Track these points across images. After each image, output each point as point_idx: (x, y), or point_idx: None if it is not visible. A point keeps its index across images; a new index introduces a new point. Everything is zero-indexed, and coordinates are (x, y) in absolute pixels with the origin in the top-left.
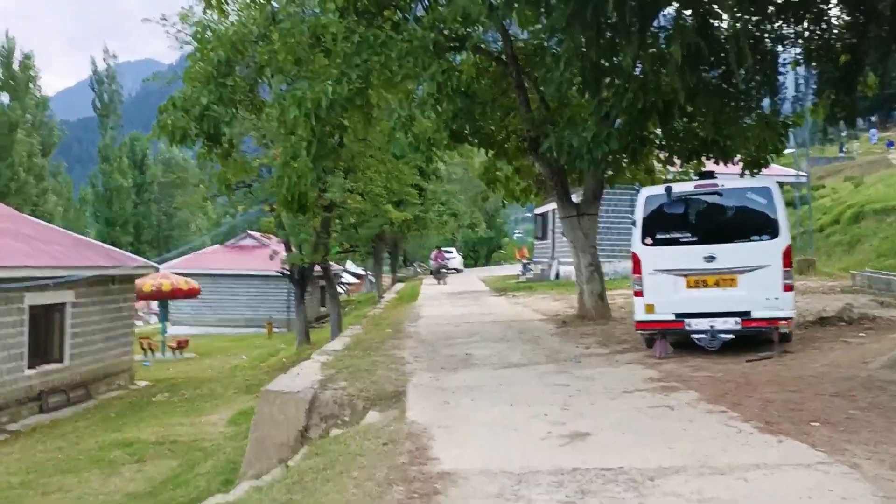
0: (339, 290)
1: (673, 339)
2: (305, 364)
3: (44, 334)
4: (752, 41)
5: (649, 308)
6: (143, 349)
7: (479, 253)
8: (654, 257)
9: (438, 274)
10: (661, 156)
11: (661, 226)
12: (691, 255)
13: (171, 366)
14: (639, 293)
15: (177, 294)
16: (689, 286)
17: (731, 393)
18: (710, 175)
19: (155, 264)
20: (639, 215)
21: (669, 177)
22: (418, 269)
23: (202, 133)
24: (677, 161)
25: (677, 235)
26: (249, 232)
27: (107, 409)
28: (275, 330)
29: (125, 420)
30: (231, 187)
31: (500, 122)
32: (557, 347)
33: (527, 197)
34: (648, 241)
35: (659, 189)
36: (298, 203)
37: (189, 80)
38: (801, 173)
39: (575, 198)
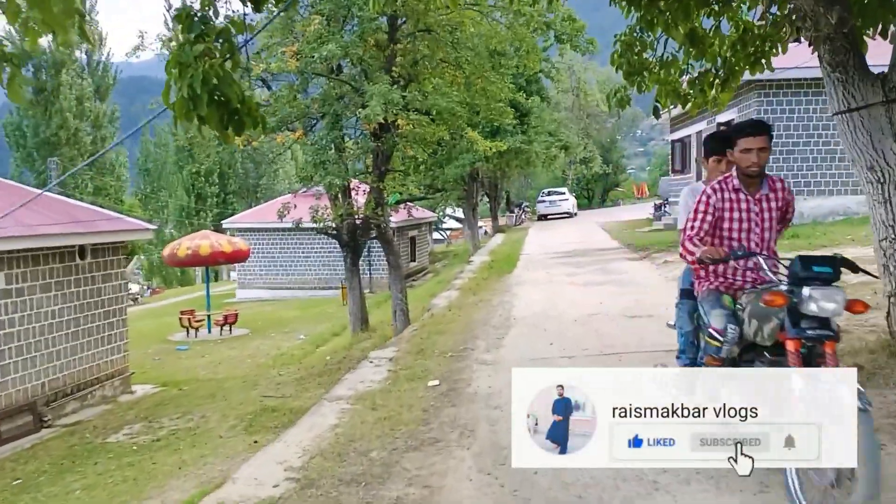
0: (440, 236)
1: None
2: None
3: None
4: None
5: None
6: (184, 327)
7: (593, 192)
8: None
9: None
10: None
11: None
12: None
13: (210, 351)
14: None
15: (218, 258)
16: None
17: None
18: None
19: (149, 226)
20: None
21: None
22: (523, 216)
23: None
24: None
25: None
26: None
27: (32, 461)
28: None
29: (23, 495)
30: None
31: None
32: None
33: (703, 94)
34: None
35: None
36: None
37: None
38: None
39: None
